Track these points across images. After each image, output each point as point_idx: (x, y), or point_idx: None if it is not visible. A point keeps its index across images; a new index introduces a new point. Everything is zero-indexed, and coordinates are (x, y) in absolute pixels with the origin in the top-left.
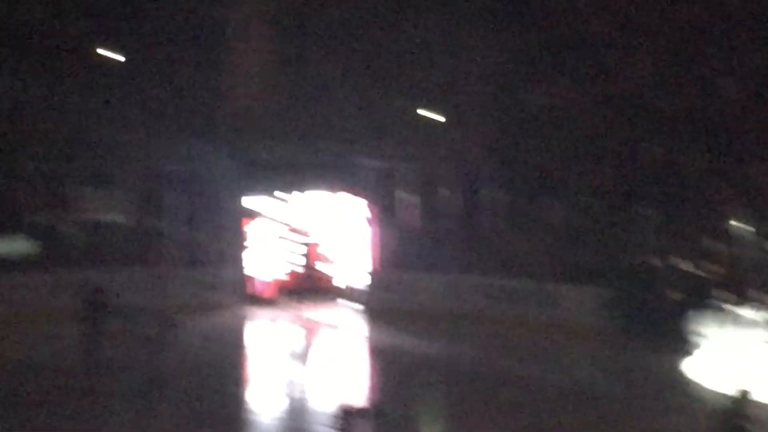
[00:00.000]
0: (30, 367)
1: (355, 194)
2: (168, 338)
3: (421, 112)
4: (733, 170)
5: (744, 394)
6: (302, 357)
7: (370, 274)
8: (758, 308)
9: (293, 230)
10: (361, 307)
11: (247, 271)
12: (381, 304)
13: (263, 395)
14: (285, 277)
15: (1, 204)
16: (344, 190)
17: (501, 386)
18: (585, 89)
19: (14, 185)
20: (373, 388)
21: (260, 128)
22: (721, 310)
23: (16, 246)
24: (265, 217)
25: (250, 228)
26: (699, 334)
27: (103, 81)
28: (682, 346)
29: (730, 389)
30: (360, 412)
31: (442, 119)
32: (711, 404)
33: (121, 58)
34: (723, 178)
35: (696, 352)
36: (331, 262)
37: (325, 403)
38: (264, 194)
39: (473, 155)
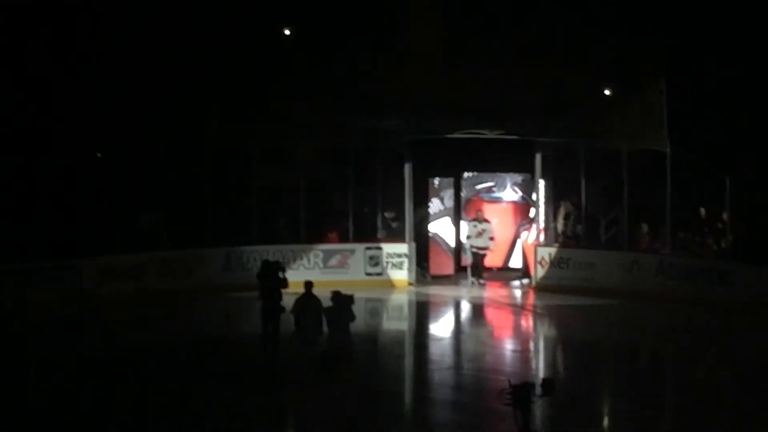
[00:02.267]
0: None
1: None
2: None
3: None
4: None
5: None
6: (476, 333)
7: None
8: None
9: (471, 210)
10: (534, 284)
11: (425, 249)
12: (555, 281)
13: (435, 370)
14: (464, 256)
15: None
16: (518, 170)
17: (672, 366)
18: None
19: None
20: (546, 366)
21: (441, 107)
22: None
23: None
24: (444, 197)
25: (431, 207)
26: None
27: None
28: None
29: None
30: (528, 388)
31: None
32: None
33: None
34: None
35: None
36: (509, 241)
37: (496, 379)
38: (449, 175)
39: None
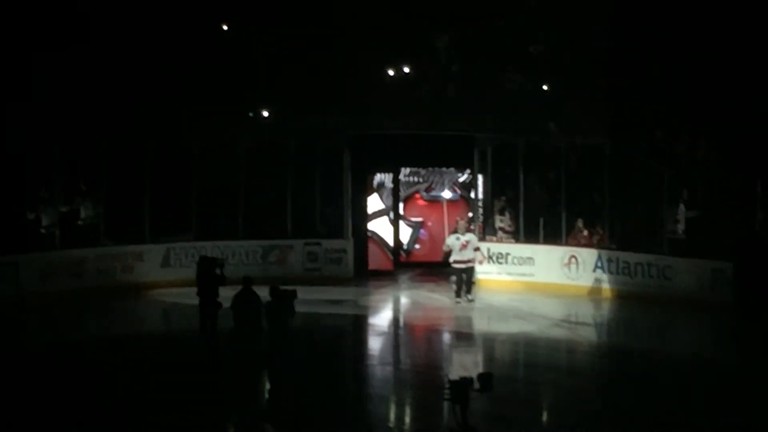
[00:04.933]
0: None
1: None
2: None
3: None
4: None
5: None
6: (414, 329)
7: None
8: None
9: (414, 206)
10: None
11: (366, 246)
12: (494, 276)
13: (376, 366)
14: (406, 252)
15: None
16: (457, 165)
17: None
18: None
19: None
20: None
21: (383, 103)
22: None
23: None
24: (387, 192)
25: (371, 203)
26: None
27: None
28: None
29: None
30: (467, 383)
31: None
32: None
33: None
34: None
35: None
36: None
37: (435, 375)
38: (387, 170)
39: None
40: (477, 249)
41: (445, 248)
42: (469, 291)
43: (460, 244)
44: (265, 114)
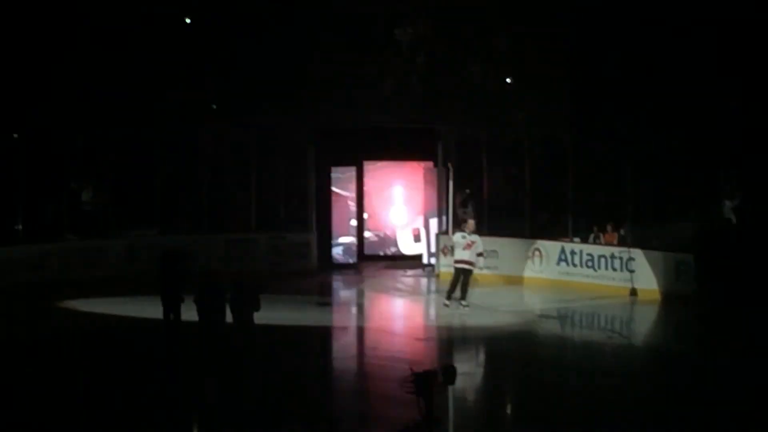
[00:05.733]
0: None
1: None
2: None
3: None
4: None
5: None
6: (378, 321)
7: (443, 239)
8: None
9: (375, 199)
10: (436, 272)
11: (328, 238)
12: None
13: (337, 359)
14: (367, 244)
15: None
16: (421, 158)
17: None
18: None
19: None
20: (446, 354)
21: (346, 97)
22: None
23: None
24: (346, 184)
25: (334, 196)
26: None
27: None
28: None
29: None
30: (431, 376)
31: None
32: None
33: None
34: None
35: None
36: (410, 231)
37: (398, 367)
38: (351, 164)
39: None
40: (480, 254)
41: (451, 245)
42: (463, 296)
43: (465, 243)
44: (227, 107)
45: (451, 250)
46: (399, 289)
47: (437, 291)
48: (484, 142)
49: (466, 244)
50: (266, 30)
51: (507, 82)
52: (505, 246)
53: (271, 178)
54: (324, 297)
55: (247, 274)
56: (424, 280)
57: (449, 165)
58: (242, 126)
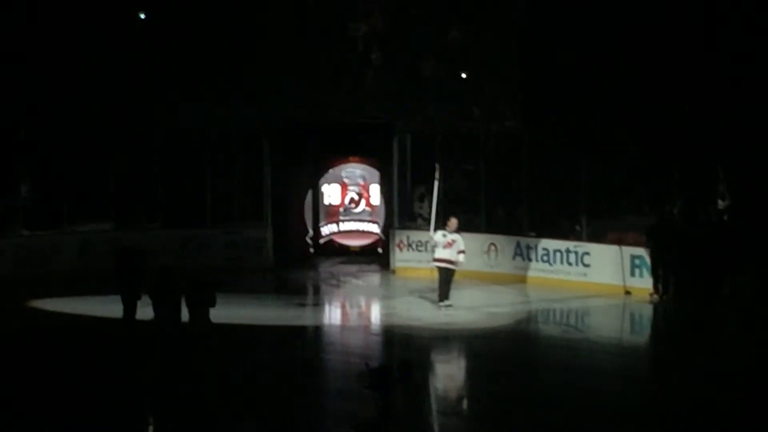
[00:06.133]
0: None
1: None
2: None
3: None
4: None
5: None
6: (334, 317)
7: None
8: None
9: (328, 194)
10: (392, 268)
11: (283, 233)
12: (409, 263)
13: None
14: (323, 239)
15: None
16: (377, 154)
17: (524, 344)
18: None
19: None
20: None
21: (302, 93)
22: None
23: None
24: (302, 180)
25: (289, 191)
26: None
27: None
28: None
29: None
30: (387, 371)
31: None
32: None
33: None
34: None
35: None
36: (366, 223)
37: (354, 363)
38: (302, 158)
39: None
40: (461, 252)
41: (431, 244)
42: (446, 296)
43: (445, 242)
44: (183, 103)
45: (433, 249)
46: (355, 285)
47: (392, 285)
48: (440, 138)
49: (447, 243)
50: (222, 25)
51: (462, 77)
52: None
53: (227, 173)
54: (284, 294)
55: (203, 270)
56: (380, 275)
57: (437, 165)
58: (198, 121)
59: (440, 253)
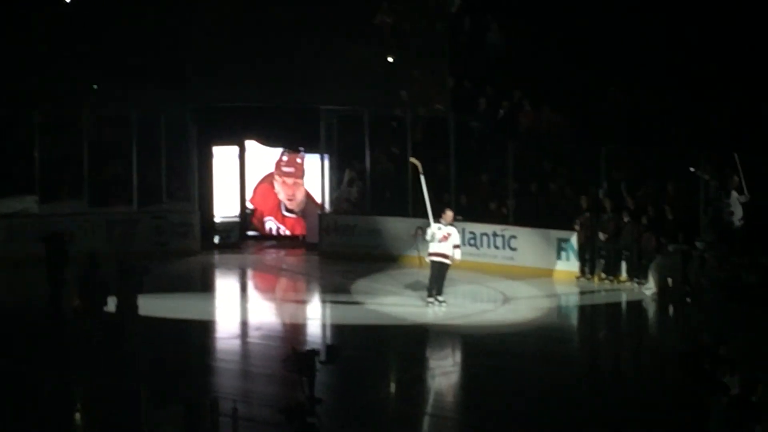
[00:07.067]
0: None
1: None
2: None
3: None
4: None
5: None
6: (261, 301)
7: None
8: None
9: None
10: (316, 250)
11: (209, 218)
12: (335, 247)
13: (221, 339)
14: (249, 223)
15: None
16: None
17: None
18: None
19: None
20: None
21: (227, 75)
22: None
23: None
24: (227, 163)
25: (214, 176)
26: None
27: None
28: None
29: None
30: (313, 355)
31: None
32: None
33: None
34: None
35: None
36: (293, 208)
37: (279, 346)
38: (233, 143)
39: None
40: (457, 246)
41: (428, 238)
42: (439, 291)
43: (441, 235)
44: (109, 86)
45: (426, 243)
46: (282, 269)
47: (319, 269)
48: (367, 121)
49: (443, 236)
50: (147, 7)
51: (389, 62)
52: (387, 224)
53: (154, 157)
54: (211, 277)
55: (130, 255)
56: (306, 259)
57: (413, 160)
58: (124, 104)
59: (435, 246)
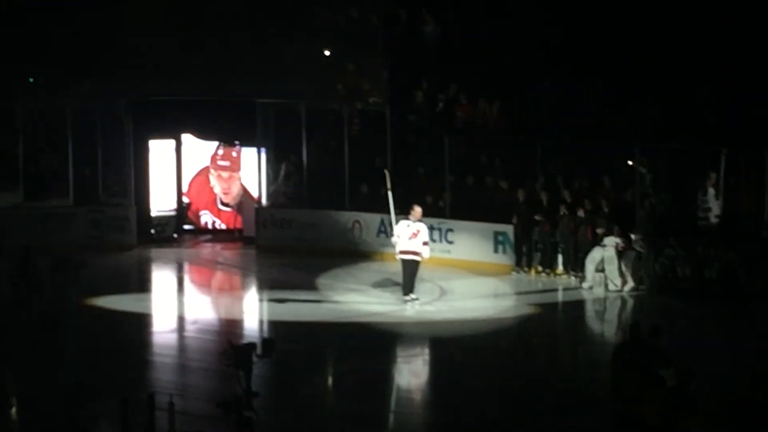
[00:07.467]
0: None
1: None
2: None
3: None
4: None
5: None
6: (198, 295)
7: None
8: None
9: (190, 171)
10: (253, 244)
11: (146, 211)
12: (272, 241)
13: (157, 333)
14: (185, 217)
15: None
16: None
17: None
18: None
19: None
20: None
21: (162, 68)
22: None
23: None
24: (164, 158)
25: (150, 169)
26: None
27: None
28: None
29: None
30: (249, 348)
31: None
32: None
33: None
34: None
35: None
36: (229, 201)
37: (215, 340)
38: (169, 137)
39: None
40: (426, 243)
41: (393, 240)
42: (411, 289)
43: (410, 233)
44: (44, 79)
45: (396, 240)
46: (218, 263)
47: (256, 263)
48: (303, 115)
49: (412, 234)
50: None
51: (325, 55)
52: (324, 218)
53: (90, 150)
54: (147, 271)
55: (66, 249)
56: (243, 253)
57: (386, 172)
58: (59, 97)
59: (404, 244)
